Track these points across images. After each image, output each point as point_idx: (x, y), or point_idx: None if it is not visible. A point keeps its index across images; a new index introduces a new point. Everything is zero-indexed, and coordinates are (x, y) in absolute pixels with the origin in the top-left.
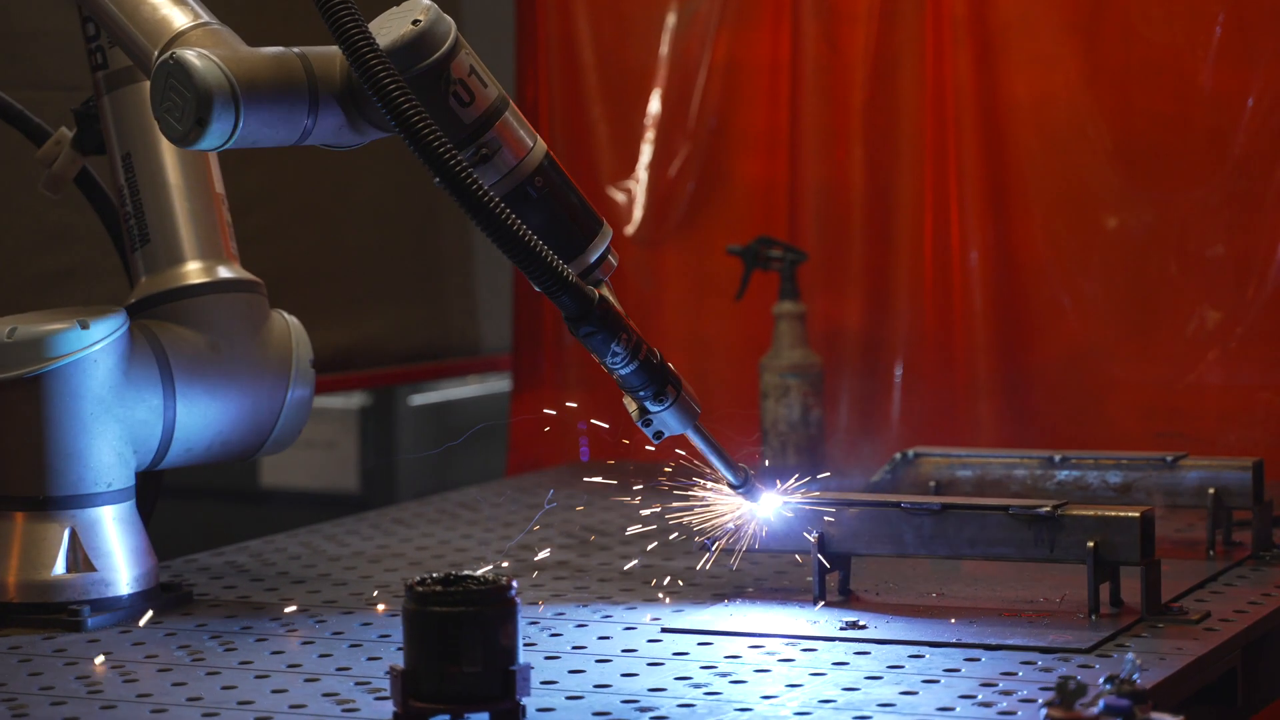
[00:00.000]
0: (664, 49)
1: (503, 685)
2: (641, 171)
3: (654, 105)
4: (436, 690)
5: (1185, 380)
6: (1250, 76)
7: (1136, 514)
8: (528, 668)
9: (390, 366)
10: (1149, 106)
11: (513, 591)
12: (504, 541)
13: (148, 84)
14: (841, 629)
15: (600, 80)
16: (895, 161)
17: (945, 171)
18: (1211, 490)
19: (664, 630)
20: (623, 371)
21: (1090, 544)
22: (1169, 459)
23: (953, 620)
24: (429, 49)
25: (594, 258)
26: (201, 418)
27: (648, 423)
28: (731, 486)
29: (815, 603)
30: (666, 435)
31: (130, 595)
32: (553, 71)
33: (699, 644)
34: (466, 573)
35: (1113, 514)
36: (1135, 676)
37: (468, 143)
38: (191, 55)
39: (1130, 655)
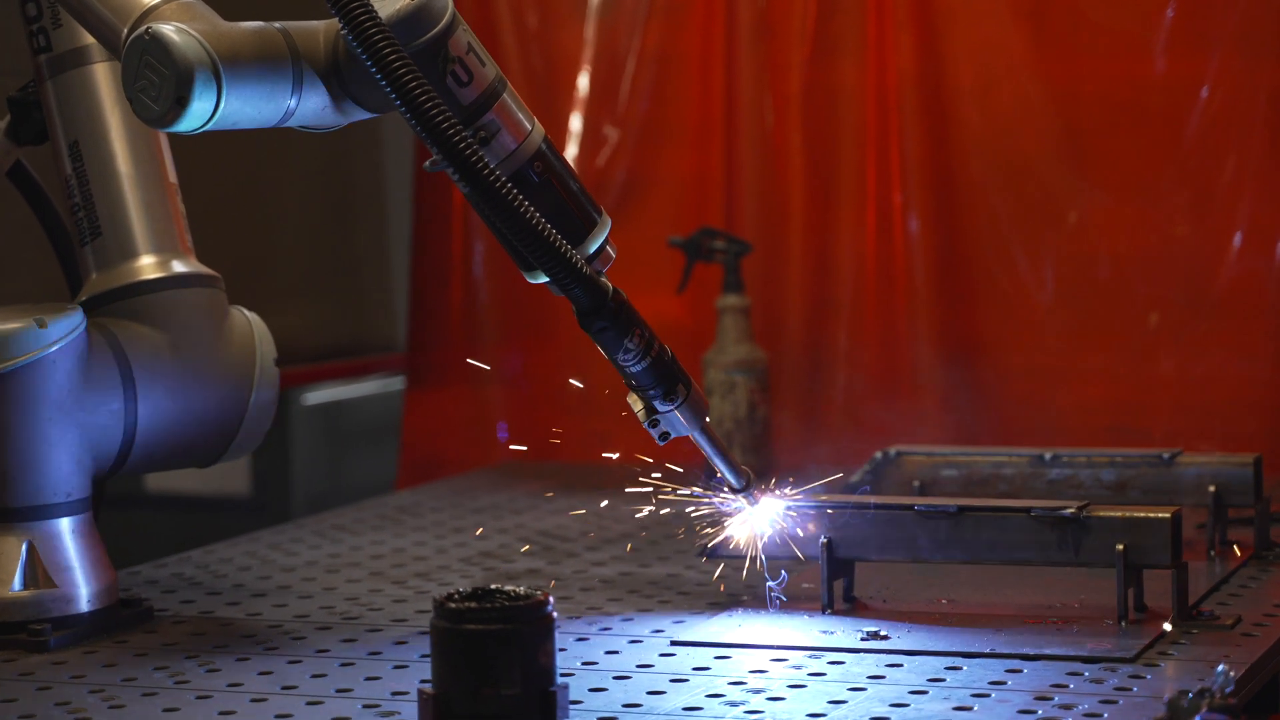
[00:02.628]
0: (590, 32)
1: (542, 708)
2: (569, 161)
3: (581, 91)
4: (471, 714)
5: (1137, 373)
6: (1204, 64)
7: (1167, 515)
8: (566, 688)
9: (305, 364)
10: (1099, 92)
11: (550, 606)
12: (460, 549)
13: (96, 67)
14: (863, 639)
15: (523, 66)
16: (836, 150)
17: (888, 160)
18: (1212, 488)
19: (674, 643)
20: (633, 369)
21: (1119, 547)
22: (1165, 456)
23: (978, 628)
24: (427, 24)
25: (593, 248)
26: (164, 421)
27: (655, 423)
28: (733, 490)
29: (823, 611)
30: (673, 436)
31: (90, 613)
32: None
33: (716, 657)
34: (495, 586)
35: (1142, 515)
36: (1229, 689)
37: (465, 125)
38: (169, 30)
39: (1222, 667)
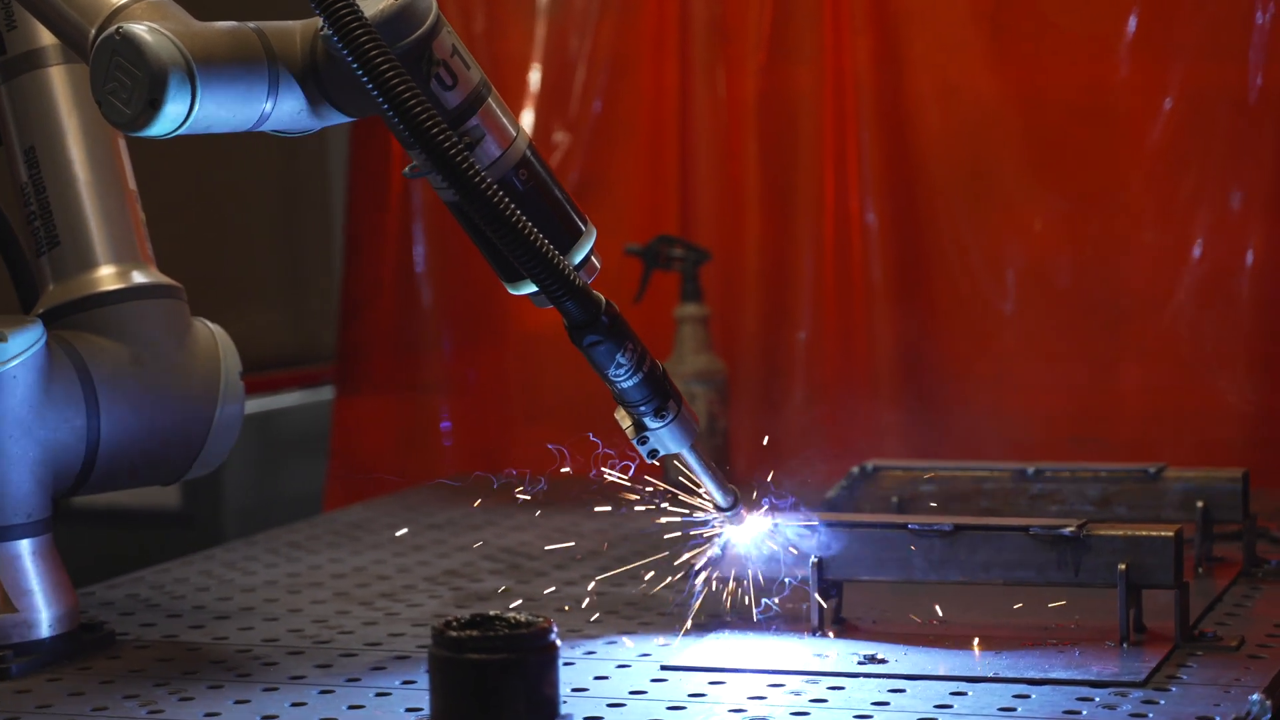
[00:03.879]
0: (540, 34)
1: None
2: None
3: (530, 94)
4: None
5: (1100, 382)
6: (1168, 70)
7: (1170, 533)
8: (570, 718)
9: (250, 374)
10: (1061, 97)
11: (554, 634)
12: (423, 567)
13: (52, 70)
14: (860, 663)
15: None
16: (793, 156)
17: (846, 166)
18: (1200, 503)
19: (665, 668)
20: (625, 385)
21: (1121, 566)
22: (1151, 470)
23: (976, 651)
24: (411, 25)
25: (578, 259)
26: (127, 438)
27: (643, 440)
28: (719, 509)
29: (814, 632)
30: (662, 454)
31: (52, 638)
32: None
33: (711, 683)
34: (495, 613)
35: (1144, 534)
36: (1266, 718)
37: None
38: (141, 30)
39: (1257, 696)
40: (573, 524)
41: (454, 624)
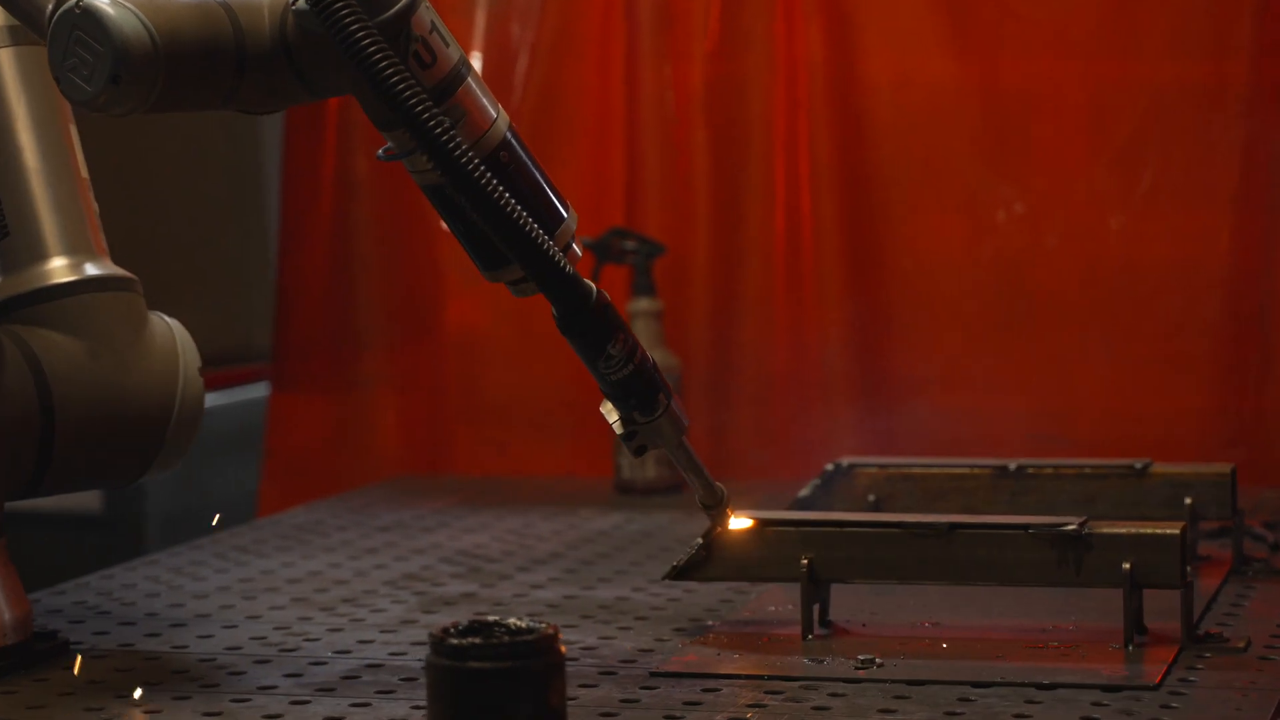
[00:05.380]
0: (481, 21)
1: None
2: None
3: None
4: None
5: (1061, 379)
6: (1132, 61)
7: (1176, 530)
8: None
9: None
10: (1022, 88)
11: (560, 640)
12: (380, 571)
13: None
14: (858, 669)
15: None
16: (744, 147)
17: (797, 157)
18: (1188, 500)
19: (653, 675)
20: (615, 377)
21: (1126, 566)
22: (1137, 466)
23: (978, 654)
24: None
25: (560, 247)
26: (83, 438)
27: (632, 435)
28: (704, 506)
29: (804, 636)
30: (650, 449)
31: (5, 648)
32: None
33: (704, 690)
34: (494, 619)
35: (1149, 531)
36: None
37: None
38: (103, 3)
39: None
40: (527, 525)
41: (453, 630)
